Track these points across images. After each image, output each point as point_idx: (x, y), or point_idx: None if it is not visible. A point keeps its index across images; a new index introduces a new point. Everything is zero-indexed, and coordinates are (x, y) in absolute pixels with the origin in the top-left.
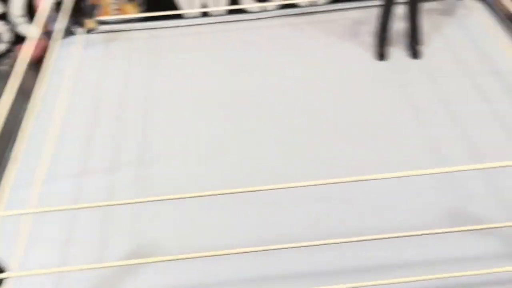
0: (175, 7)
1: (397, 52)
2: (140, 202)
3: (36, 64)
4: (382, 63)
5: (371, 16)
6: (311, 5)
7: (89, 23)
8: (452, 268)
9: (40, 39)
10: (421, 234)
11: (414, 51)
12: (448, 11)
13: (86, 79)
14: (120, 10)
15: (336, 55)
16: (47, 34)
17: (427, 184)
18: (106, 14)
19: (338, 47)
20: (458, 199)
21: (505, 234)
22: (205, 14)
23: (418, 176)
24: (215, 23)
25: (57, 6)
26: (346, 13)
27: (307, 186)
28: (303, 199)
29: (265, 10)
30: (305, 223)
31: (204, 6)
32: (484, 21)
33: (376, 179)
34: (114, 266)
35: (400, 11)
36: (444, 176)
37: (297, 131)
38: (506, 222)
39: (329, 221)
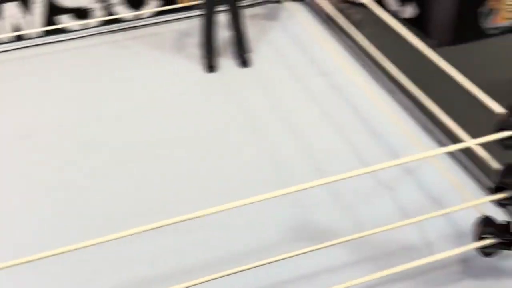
0: None
1: (227, 62)
2: None
3: None
4: (213, 75)
5: (197, 27)
6: (134, 19)
7: None
8: (305, 284)
9: None
10: (269, 263)
11: (243, 59)
12: (270, 16)
13: None
14: None
15: (164, 72)
16: None
17: (272, 200)
18: None
19: (165, 62)
20: (303, 211)
21: (351, 243)
22: (19, 38)
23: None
24: (30, 46)
25: None
26: (171, 25)
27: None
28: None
29: (87, 28)
30: (143, 260)
31: (17, 29)
32: (306, 22)
33: (221, 210)
34: None
35: (223, 19)
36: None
37: (128, 159)
38: (352, 232)
39: (172, 255)
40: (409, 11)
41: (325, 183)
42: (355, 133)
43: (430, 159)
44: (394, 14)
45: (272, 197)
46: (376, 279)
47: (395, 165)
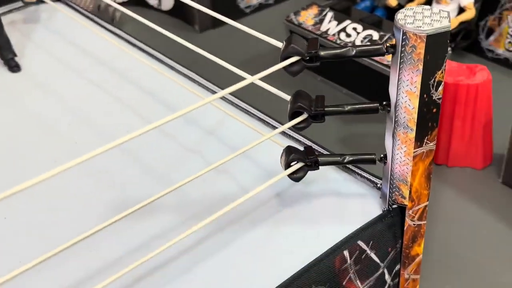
0: None
1: None
2: None
3: None
4: None
5: None
6: None
7: None
8: (138, 255)
9: None
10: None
11: (11, 64)
12: (31, 19)
13: None
14: None
15: None
16: None
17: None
18: None
19: None
20: (121, 193)
21: (174, 207)
22: None
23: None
24: None
25: None
26: None
27: None
28: None
29: None
30: None
31: None
32: (71, 19)
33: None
34: None
35: None
36: (93, 174)
37: None
38: (172, 196)
39: None
40: (168, 3)
41: (118, 144)
42: (148, 108)
43: (225, 112)
44: (155, 8)
45: (69, 167)
46: (203, 230)
47: (177, 117)
